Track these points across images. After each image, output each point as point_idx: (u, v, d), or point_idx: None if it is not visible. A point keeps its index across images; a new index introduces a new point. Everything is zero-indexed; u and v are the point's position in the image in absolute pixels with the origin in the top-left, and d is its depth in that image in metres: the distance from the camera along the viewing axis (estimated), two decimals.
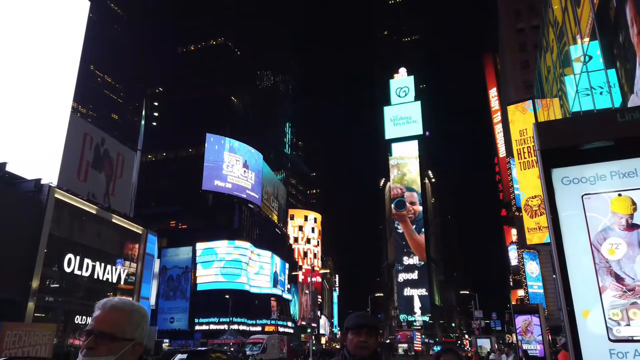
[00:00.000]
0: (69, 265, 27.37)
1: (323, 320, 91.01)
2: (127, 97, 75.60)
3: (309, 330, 55.31)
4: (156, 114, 74.12)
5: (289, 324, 69.01)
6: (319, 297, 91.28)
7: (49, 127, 28.05)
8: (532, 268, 41.90)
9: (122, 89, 76.99)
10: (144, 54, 77.24)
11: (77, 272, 27.97)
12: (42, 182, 26.00)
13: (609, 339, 2.34)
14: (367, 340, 2.21)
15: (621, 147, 2.53)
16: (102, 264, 30.34)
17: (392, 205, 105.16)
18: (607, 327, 2.35)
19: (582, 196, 2.54)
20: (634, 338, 2.31)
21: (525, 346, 13.41)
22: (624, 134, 2.54)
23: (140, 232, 35.49)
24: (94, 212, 30.20)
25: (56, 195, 26.52)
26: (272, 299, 65.22)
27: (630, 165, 2.50)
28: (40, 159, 26.91)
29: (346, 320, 2.38)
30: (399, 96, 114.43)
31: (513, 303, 49.38)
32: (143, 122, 42.33)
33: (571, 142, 2.63)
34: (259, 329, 56.59)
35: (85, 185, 30.98)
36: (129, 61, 75.25)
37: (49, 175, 26.94)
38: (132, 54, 75.66)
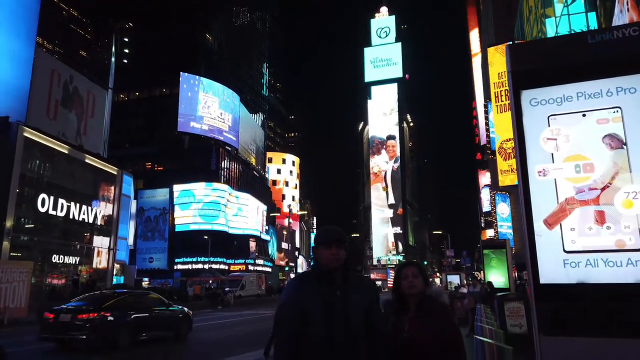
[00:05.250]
0: (42, 205, 27.09)
1: (301, 260, 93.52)
2: (96, 32, 71.56)
3: (286, 269, 56.87)
4: (127, 51, 70.79)
5: (267, 262, 70.74)
6: (297, 238, 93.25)
7: (13, 63, 26.70)
8: (503, 209, 43.41)
9: (90, 24, 72.63)
10: None
11: (51, 212, 27.74)
12: (10, 120, 25.14)
13: (564, 250, 2.48)
14: (338, 252, 2.38)
15: (589, 68, 2.56)
16: (78, 205, 30.11)
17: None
18: (562, 239, 2.49)
19: (549, 117, 2.60)
20: (586, 249, 2.45)
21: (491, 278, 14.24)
22: (594, 55, 2.56)
23: (115, 172, 35.08)
24: (65, 151, 29.54)
25: (25, 134, 25.79)
26: (251, 239, 66.36)
27: (597, 86, 2.55)
28: (5, 96, 25.81)
29: (316, 236, 2.50)
30: (379, 37, 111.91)
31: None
32: (113, 59, 40.49)
33: (541, 63, 2.65)
34: (237, 267, 57.92)
35: (55, 124, 30.01)
36: None
37: (17, 113, 25.96)
38: None
